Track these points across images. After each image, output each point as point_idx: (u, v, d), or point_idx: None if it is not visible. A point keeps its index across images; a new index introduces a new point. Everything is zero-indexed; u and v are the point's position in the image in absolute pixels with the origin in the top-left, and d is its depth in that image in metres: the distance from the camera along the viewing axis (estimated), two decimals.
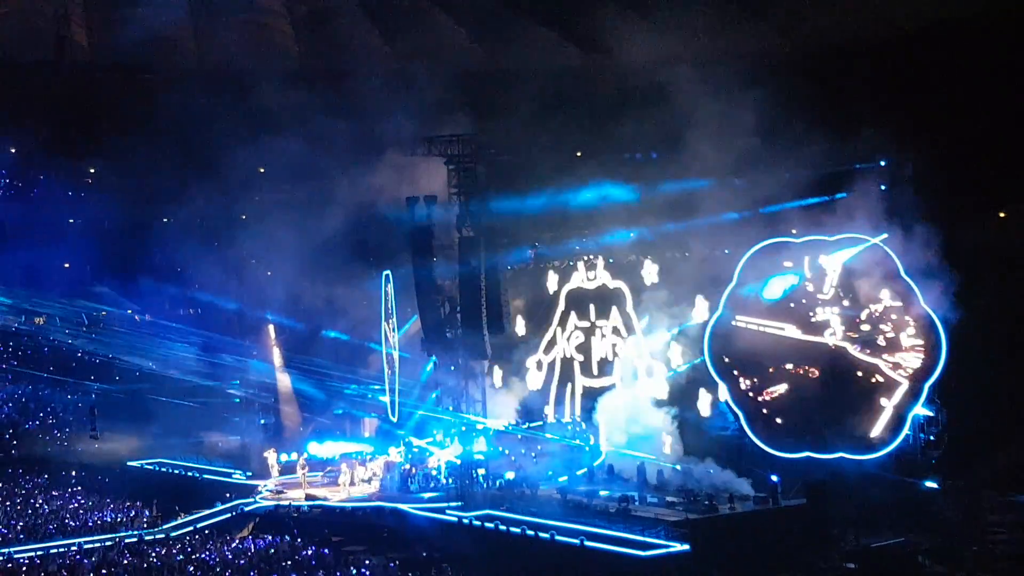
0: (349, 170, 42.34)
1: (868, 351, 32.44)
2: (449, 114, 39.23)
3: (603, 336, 40.32)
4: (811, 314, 33.66)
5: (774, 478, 32.55)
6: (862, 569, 27.19)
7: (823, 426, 32.72)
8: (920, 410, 31.67)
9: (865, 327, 32.68)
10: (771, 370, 34.19)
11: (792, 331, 33.78)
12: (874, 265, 32.51)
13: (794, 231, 34.25)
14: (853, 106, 34.01)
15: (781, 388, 34.04)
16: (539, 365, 42.07)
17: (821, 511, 30.86)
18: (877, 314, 32.48)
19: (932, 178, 32.04)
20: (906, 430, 31.73)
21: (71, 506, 40.50)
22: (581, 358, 40.90)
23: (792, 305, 34.03)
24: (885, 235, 32.14)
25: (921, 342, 31.60)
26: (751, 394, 34.65)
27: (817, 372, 33.44)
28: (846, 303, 33.13)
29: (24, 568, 29.79)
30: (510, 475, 37.28)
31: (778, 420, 33.99)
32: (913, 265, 31.61)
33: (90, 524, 36.67)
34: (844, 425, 32.32)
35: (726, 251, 36.30)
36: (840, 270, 33.20)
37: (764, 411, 34.32)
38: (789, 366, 33.97)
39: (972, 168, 31.75)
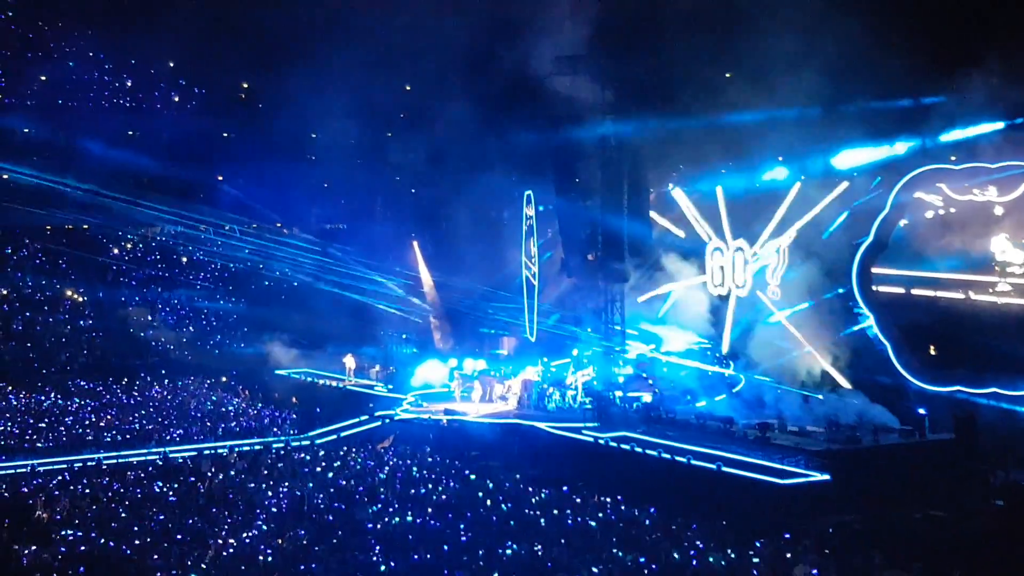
0: (493, 90, 42.15)
1: None
2: (598, 35, 38.40)
3: (747, 263, 39.58)
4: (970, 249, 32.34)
5: (921, 411, 31.62)
6: (1011, 506, 26.21)
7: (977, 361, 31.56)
8: None
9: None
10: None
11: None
12: None
13: (953, 158, 32.77)
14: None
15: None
16: (684, 289, 41.72)
17: (970, 446, 29.84)
18: None
19: None
20: None
21: (223, 410, 42.32)
22: (724, 284, 40.36)
23: (946, 242, 32.66)
24: None
25: None
26: (900, 325, 33.68)
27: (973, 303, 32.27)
28: (1006, 237, 31.64)
29: (179, 467, 31.28)
30: (647, 398, 37.17)
31: (928, 353, 32.95)
32: None
33: (239, 428, 38.25)
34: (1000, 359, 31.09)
35: (877, 178, 35.10)
36: (1001, 201, 31.66)
37: (913, 343, 33.34)
38: (941, 293, 32.86)
39: None
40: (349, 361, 46.59)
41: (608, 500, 27.10)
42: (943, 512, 25.84)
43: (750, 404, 36.20)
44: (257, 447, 34.44)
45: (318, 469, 30.97)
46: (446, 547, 22.28)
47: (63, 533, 23.29)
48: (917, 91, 33.18)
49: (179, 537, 23.25)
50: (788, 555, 21.71)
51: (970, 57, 30.30)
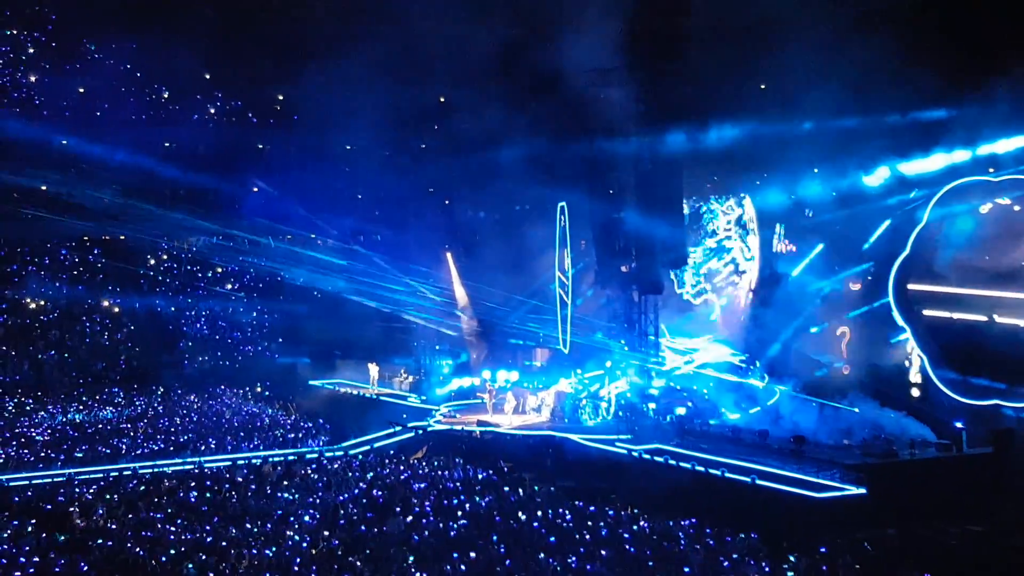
0: (528, 102, 42.16)
1: None
2: (634, 47, 38.29)
3: None
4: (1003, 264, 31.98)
5: (958, 425, 31.30)
6: None
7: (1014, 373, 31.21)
8: None
9: None
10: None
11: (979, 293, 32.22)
12: None
13: (991, 170, 32.47)
14: None
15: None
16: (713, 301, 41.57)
17: (1008, 460, 29.50)
18: None
19: None
20: None
21: (257, 420, 42.53)
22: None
23: (981, 255, 32.33)
24: None
25: None
26: (937, 337, 33.36)
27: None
28: None
29: (213, 477, 31.45)
30: (681, 410, 37.02)
31: (966, 365, 32.62)
32: None
33: (273, 438, 38.41)
34: None
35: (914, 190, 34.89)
36: None
37: (950, 356, 33.01)
38: (982, 317, 32.48)
39: None
40: (373, 370, 46.73)
41: (642, 512, 26.97)
42: (980, 527, 25.58)
43: (769, 414, 36.00)
44: (291, 457, 34.56)
45: (351, 479, 31.03)
46: (479, 558, 22.28)
47: (99, 542, 23.47)
48: (953, 104, 32.95)
49: (214, 546, 23.37)
50: (823, 569, 21.54)
51: (1008, 69, 30.06)
